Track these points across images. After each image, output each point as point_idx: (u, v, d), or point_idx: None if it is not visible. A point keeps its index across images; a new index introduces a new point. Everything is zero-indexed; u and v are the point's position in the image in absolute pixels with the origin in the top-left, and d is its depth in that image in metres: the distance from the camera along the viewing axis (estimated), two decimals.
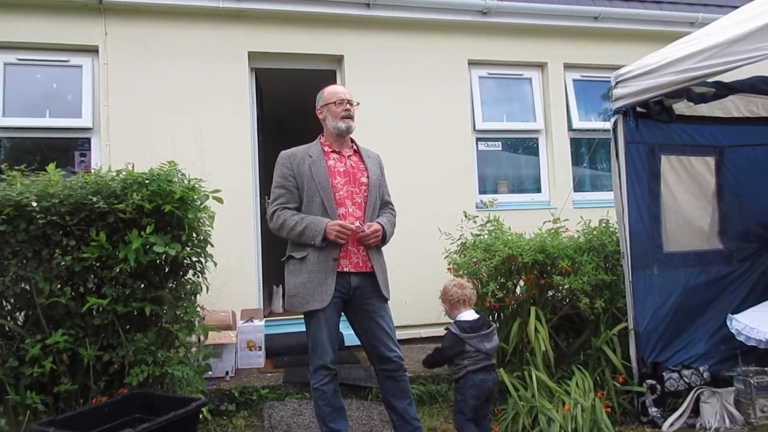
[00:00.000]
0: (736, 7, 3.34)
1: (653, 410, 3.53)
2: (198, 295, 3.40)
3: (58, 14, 4.86)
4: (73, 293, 3.02)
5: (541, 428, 3.22)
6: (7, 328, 3.07)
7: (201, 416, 3.33)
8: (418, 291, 5.20)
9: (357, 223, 2.86)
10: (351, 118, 3.00)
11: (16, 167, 3.17)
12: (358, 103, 3.08)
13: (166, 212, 3.03)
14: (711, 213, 4.20)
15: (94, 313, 3.05)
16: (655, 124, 3.88)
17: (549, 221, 4.13)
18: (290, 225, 2.85)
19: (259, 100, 5.65)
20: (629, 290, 3.74)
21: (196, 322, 3.35)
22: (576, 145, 6.12)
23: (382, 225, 2.95)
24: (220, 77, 5.13)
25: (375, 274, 2.94)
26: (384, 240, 2.98)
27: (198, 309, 3.36)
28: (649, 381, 3.59)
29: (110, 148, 4.82)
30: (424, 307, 5.12)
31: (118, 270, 3.00)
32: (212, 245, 3.40)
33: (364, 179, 2.99)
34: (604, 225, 4.13)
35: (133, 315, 3.16)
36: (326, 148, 3.00)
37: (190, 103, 5.02)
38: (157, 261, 3.11)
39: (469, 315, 3.20)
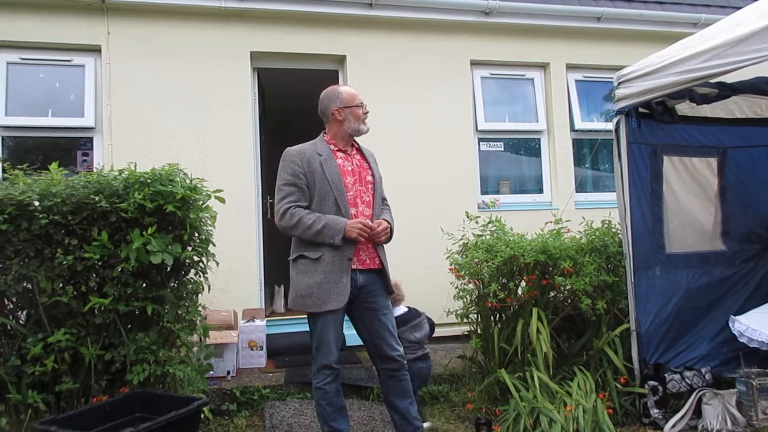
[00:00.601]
0: (739, 8, 3.34)
1: (655, 411, 3.53)
2: (200, 295, 3.41)
3: (61, 13, 4.87)
4: (74, 292, 3.02)
5: (543, 429, 3.21)
6: (9, 327, 3.07)
7: (202, 416, 3.34)
8: (420, 292, 5.17)
9: (368, 222, 2.87)
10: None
11: (19, 166, 3.18)
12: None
13: (168, 212, 3.04)
14: (713, 214, 4.19)
15: (96, 312, 3.06)
16: (658, 124, 3.87)
17: (551, 222, 4.12)
18: (307, 223, 2.81)
19: (261, 100, 5.66)
20: (631, 291, 3.73)
21: (198, 322, 3.35)
22: (578, 145, 6.11)
23: (388, 222, 2.96)
24: (223, 77, 5.13)
25: (383, 270, 2.95)
26: (390, 236, 3.00)
27: (200, 308, 3.37)
28: (651, 382, 3.58)
29: (112, 147, 4.83)
30: (426, 307, 5.08)
31: (120, 269, 3.01)
32: (214, 245, 3.41)
33: (369, 178, 3.01)
34: (606, 226, 4.12)
35: (135, 314, 3.16)
36: (332, 147, 2.99)
37: (192, 102, 5.03)
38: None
39: (399, 310, 3.65)
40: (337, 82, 5.47)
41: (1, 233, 2.89)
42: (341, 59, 5.53)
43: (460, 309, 4.05)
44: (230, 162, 5.04)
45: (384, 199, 3.15)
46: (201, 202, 3.26)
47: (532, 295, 3.81)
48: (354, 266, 2.87)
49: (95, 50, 4.98)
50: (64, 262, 2.97)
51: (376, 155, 3.18)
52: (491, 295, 3.76)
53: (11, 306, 3.12)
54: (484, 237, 4.10)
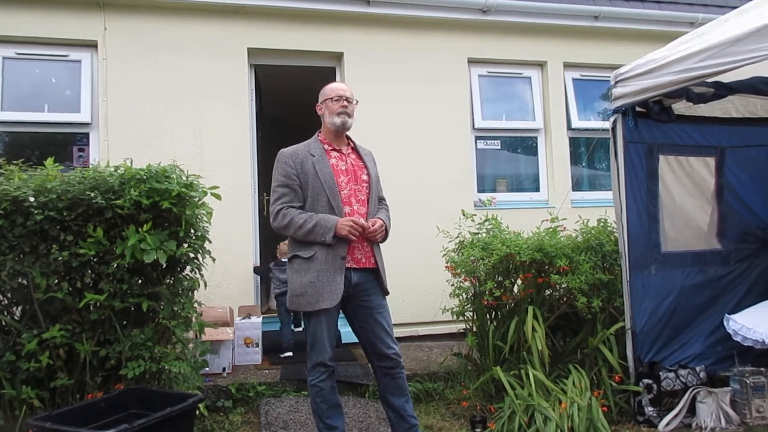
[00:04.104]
0: (736, 7, 3.34)
1: (649, 409, 3.54)
2: (195, 292, 3.40)
3: (57, 9, 4.85)
4: (70, 288, 3.02)
5: (538, 427, 3.21)
6: (3, 323, 3.06)
7: (198, 412, 3.34)
8: (416, 289, 5.21)
9: (361, 221, 2.86)
10: (347, 114, 2.98)
11: (14, 162, 3.16)
12: (357, 101, 3.06)
13: (164, 208, 3.03)
14: (710, 213, 4.19)
15: (91, 308, 3.05)
16: (655, 123, 3.88)
17: (547, 220, 4.13)
18: (298, 223, 2.83)
19: (258, 97, 5.65)
20: (627, 290, 3.74)
21: (193, 319, 3.35)
22: (575, 144, 6.12)
23: (384, 221, 2.95)
24: (220, 73, 5.12)
25: (378, 270, 2.94)
26: (386, 235, 2.99)
27: (195, 305, 3.36)
28: (646, 380, 3.59)
29: (108, 143, 4.81)
30: (422, 305, 5.13)
31: (115, 266, 3.00)
32: (210, 241, 3.40)
33: (364, 177, 3.00)
34: (602, 224, 4.13)
35: (130, 311, 3.16)
36: (326, 146, 2.99)
37: (189, 99, 5.02)
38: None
39: (284, 258, 4.27)
40: (334, 80, 5.47)
41: None
42: (338, 56, 5.52)
43: (456, 307, 4.06)
44: (227, 158, 5.03)
45: (382, 199, 3.14)
46: (197, 199, 3.25)
47: (528, 293, 3.81)
48: (349, 265, 2.87)
49: (91, 46, 4.96)
50: (60, 258, 2.96)
51: (373, 153, 3.18)
52: (487, 293, 3.77)
53: (6, 302, 3.11)
54: (480, 235, 4.10)
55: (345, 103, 2.98)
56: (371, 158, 3.12)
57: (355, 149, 3.09)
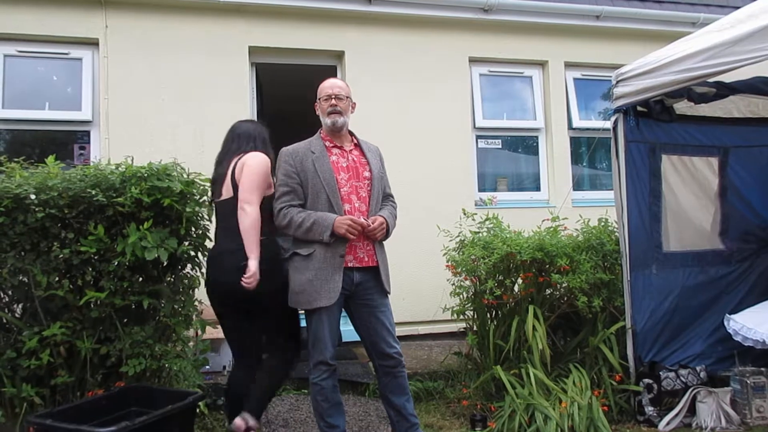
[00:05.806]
0: (738, 7, 3.33)
1: (650, 409, 3.54)
2: (196, 290, 3.40)
3: (58, 6, 4.85)
4: (71, 286, 3.02)
5: (538, 426, 3.22)
6: (4, 320, 3.07)
7: (198, 410, 3.34)
8: (417, 288, 5.21)
9: (362, 219, 2.86)
10: (338, 113, 2.96)
11: (15, 159, 3.16)
12: (348, 97, 3.03)
13: (165, 206, 3.04)
14: (713, 213, 4.19)
15: (92, 306, 3.05)
16: (656, 123, 3.88)
17: (548, 219, 4.12)
18: (297, 222, 2.84)
19: (259, 95, 5.64)
20: (627, 289, 3.74)
21: (194, 317, 3.35)
22: (576, 143, 6.12)
23: (385, 218, 2.94)
24: (221, 72, 5.12)
25: (378, 269, 2.94)
26: (387, 233, 2.98)
27: (196, 303, 3.36)
28: (646, 380, 3.59)
29: (110, 141, 4.81)
30: (423, 304, 5.13)
31: (116, 263, 3.00)
32: (211, 239, 3.39)
33: (366, 173, 2.99)
34: (602, 224, 4.13)
35: (131, 308, 3.16)
36: (327, 143, 2.99)
37: (190, 97, 5.01)
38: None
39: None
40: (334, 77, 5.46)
41: None
42: (340, 55, 5.52)
43: (457, 306, 4.05)
44: None
45: (389, 195, 3.13)
46: (198, 196, 3.25)
47: (529, 292, 3.81)
48: (351, 264, 2.87)
49: (93, 43, 4.96)
50: (60, 256, 2.96)
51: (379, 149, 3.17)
52: (488, 292, 3.77)
53: (7, 299, 3.11)
54: (481, 234, 4.10)
55: (334, 101, 2.97)
56: (376, 154, 3.10)
57: (358, 146, 3.08)
